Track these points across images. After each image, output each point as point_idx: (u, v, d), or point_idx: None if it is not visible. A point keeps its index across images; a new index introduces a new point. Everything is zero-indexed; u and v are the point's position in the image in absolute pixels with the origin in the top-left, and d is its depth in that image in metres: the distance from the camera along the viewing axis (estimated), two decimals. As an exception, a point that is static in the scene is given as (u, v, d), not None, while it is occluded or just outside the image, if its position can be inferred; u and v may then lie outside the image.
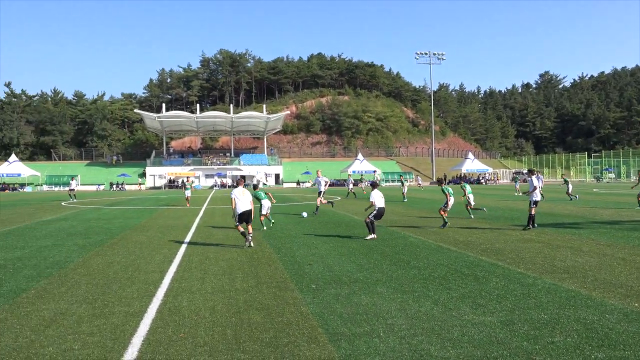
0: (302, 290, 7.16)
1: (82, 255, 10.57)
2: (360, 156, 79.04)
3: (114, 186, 69.33)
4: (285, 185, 73.46)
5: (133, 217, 20.36)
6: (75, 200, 35.54)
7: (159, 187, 71.84)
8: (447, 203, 15.47)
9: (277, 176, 78.45)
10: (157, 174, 75.33)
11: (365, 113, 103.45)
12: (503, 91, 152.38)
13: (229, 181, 73.52)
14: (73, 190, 38.18)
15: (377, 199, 12.69)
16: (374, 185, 13.55)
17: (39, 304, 6.54)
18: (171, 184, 73.24)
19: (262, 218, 15.89)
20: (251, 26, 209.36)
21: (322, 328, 5.44)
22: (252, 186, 17.72)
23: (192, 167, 76.25)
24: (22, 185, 70.47)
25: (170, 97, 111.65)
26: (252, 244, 11.47)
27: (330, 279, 7.89)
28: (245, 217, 11.62)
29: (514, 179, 53.09)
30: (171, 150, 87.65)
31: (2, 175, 69.75)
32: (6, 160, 73.72)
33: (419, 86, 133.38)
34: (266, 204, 15.85)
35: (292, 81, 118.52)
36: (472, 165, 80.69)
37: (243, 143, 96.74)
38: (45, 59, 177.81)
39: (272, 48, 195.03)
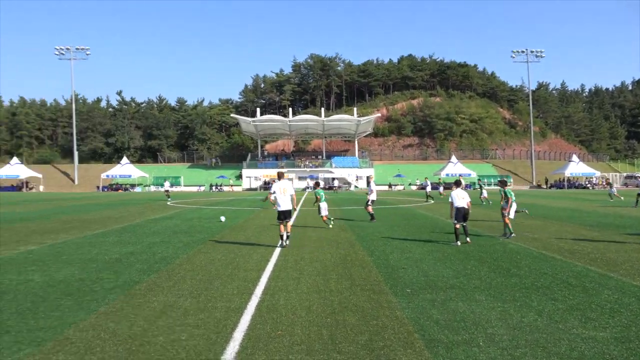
0: (396, 294, 7.10)
1: (187, 252, 11.22)
2: (454, 159, 76.93)
3: (213, 187, 72.96)
4: (377, 188, 73.17)
5: (231, 217, 21.25)
6: (170, 200, 38.67)
7: (255, 189, 74.46)
8: (506, 208, 13.66)
9: (368, 179, 78.33)
10: (252, 176, 78.13)
11: (458, 114, 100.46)
12: (610, 89, 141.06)
13: (321, 183, 74.56)
14: (168, 191, 42.68)
15: (455, 198, 12.30)
16: (457, 183, 13.02)
17: (150, 296, 7.03)
18: (266, 185, 75.64)
19: (325, 219, 16.65)
20: (341, 30, 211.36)
21: (418, 334, 5.37)
22: (314, 184, 19.14)
23: (285, 170, 78.21)
24: (133, 185, 76.24)
25: (264, 101, 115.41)
26: (286, 243, 11.64)
27: (425, 284, 7.76)
28: (284, 216, 11.63)
29: (608, 184, 47.64)
30: (265, 153, 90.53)
31: (116, 177, 75.89)
32: (119, 162, 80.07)
33: (516, 86, 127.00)
34: (324, 205, 16.89)
35: (383, 83, 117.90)
36: (577, 168, 75.29)
37: (334, 146, 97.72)
38: (151, 69, 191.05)
39: (361, 51, 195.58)
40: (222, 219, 19.10)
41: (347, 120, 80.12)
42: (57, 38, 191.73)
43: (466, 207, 12.25)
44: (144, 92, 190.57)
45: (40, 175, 77.15)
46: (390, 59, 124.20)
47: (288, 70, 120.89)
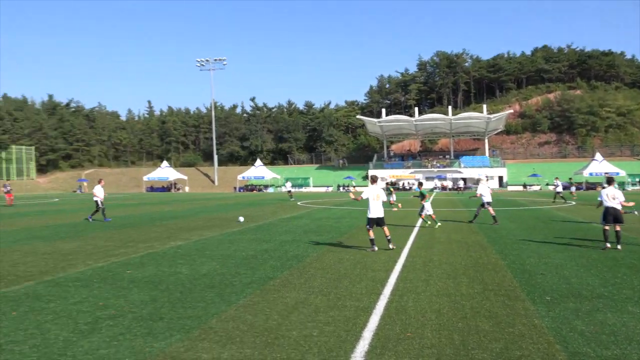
0: (534, 302, 6.68)
1: (316, 251, 11.58)
2: (598, 156, 70.05)
3: (341, 188, 74.40)
4: (510, 188, 69.32)
5: (359, 217, 21.48)
6: (292, 199, 41.22)
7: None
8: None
9: (500, 179, 74.53)
10: (379, 177, 78.22)
11: (602, 108, 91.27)
12: None
13: (449, 184, 72.51)
14: (290, 191, 46.01)
15: (605, 197, 11.18)
16: (609, 181, 11.82)
17: (283, 292, 7.37)
18: (392, 186, 75.32)
19: (434, 216, 17.07)
20: (468, 25, 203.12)
21: (560, 345, 5.00)
22: (417, 184, 19.05)
23: (412, 170, 77.29)
24: (265, 186, 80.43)
25: (389, 102, 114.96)
26: (390, 245, 11.41)
27: (567, 292, 7.20)
28: (375, 223, 11.36)
29: None
30: (392, 154, 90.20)
31: (250, 178, 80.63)
32: (253, 164, 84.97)
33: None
34: (428, 205, 17.03)
35: (514, 78, 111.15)
36: None
37: (463, 145, 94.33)
38: (281, 75, 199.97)
39: (490, 45, 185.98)
40: (241, 219, 19.63)
41: (476, 118, 76.90)
42: (198, 51, 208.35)
43: (618, 207, 11.17)
44: (275, 97, 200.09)
45: (185, 177, 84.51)
46: (522, 52, 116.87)
47: (413, 69, 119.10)
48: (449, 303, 6.67)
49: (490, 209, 18.13)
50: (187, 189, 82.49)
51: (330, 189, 75.70)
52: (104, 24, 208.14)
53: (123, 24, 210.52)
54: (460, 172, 74.41)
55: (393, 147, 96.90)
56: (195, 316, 6.10)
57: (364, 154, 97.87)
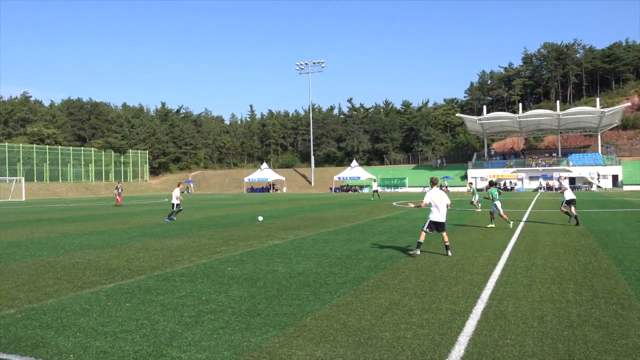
0: (652, 312, 6.10)
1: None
2: None
3: (443, 188, 72.61)
4: (626, 187, 63.75)
5: (455, 218, 20.89)
6: (373, 199, 42.26)
7: (481, 189, 71.81)
8: None
9: (614, 177, 68.77)
10: (478, 176, 75.47)
11: None
12: None
13: (555, 183, 68.17)
14: (377, 191, 46.88)
15: None
16: None
17: (377, 293, 7.35)
18: (491, 185, 72.27)
19: (505, 217, 17.01)
20: (580, 13, 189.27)
21: (682, 360, 4.52)
22: (488, 183, 19.27)
23: (514, 169, 73.61)
24: (361, 186, 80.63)
25: (490, 98, 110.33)
26: (449, 252, 10.73)
27: (692, 303, 6.50)
28: (437, 226, 10.80)
29: None
30: (492, 152, 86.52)
31: (346, 178, 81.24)
32: (349, 165, 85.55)
33: None
34: (499, 204, 17.25)
35: (634, 68, 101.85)
36: None
37: (571, 142, 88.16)
38: (378, 75, 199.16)
39: (606, 33, 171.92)
40: (260, 219, 19.99)
41: (587, 112, 71.52)
42: (297, 55, 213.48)
43: None
44: (372, 97, 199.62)
45: (283, 178, 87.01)
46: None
47: (518, 63, 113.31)
48: (553, 310, 6.28)
49: (563, 207, 18.11)
50: (284, 189, 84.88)
51: (427, 189, 74.07)
52: (209, 35, 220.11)
53: (226, 33, 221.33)
54: (569, 170, 69.64)
55: (494, 145, 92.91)
56: (291, 313, 6.25)
57: (463, 153, 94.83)
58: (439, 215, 10.75)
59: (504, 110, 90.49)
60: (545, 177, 70.24)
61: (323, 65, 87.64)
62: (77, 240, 14.49)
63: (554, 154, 78.19)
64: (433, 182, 11.16)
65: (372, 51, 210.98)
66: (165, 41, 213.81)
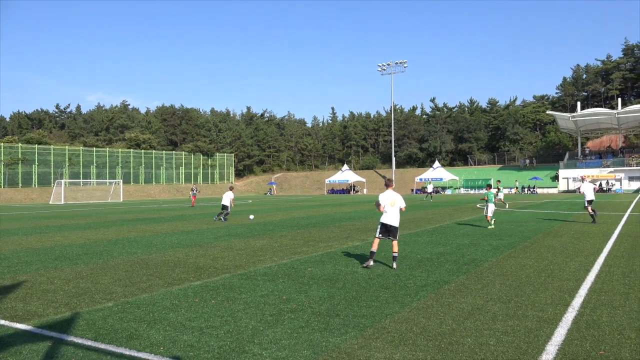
0: None
1: (496, 255, 11.00)
2: None
3: (525, 189, 69.38)
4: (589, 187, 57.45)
5: (545, 221, 19.86)
6: (425, 199, 43.05)
7: (573, 191, 67.69)
8: None
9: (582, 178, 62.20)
10: (570, 177, 71.20)
11: None
12: None
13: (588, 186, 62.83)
14: (430, 193, 49.89)
15: None
16: None
17: (459, 297, 7.15)
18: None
19: (488, 218, 17.74)
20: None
21: None
22: (486, 186, 19.64)
23: (611, 169, 68.68)
24: (443, 188, 78.80)
25: (585, 94, 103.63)
26: (394, 265, 9.54)
27: None
28: (387, 230, 9.70)
29: None
30: (587, 151, 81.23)
31: (428, 180, 79.72)
32: (431, 166, 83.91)
33: None
34: (491, 207, 17.92)
35: None
36: None
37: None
38: (462, 73, 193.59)
39: None
40: (251, 217, 20.51)
41: (697, 106, 65.36)
42: (379, 55, 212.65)
43: None
44: (456, 96, 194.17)
45: (364, 180, 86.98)
46: None
47: (617, 55, 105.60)
48: (654, 321, 5.80)
49: (590, 208, 18.77)
50: (365, 191, 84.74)
51: (514, 190, 71.04)
52: (292, 38, 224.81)
53: (308, 36, 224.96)
54: (676, 170, 63.98)
55: (589, 143, 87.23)
56: (370, 315, 6.24)
57: (554, 152, 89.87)
58: (387, 217, 9.78)
59: (601, 106, 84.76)
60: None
61: (405, 65, 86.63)
62: (168, 239, 15.34)
63: (658, 152, 72.06)
64: (386, 184, 10.09)
65: (456, 49, 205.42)
66: (250, 47, 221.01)
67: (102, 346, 5.19)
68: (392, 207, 9.79)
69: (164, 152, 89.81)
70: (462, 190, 76.63)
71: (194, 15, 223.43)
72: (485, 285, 7.88)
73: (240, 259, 10.94)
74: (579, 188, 19.22)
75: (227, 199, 22.31)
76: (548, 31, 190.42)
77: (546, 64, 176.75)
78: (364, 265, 9.72)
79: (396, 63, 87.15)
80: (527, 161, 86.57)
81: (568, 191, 68.69)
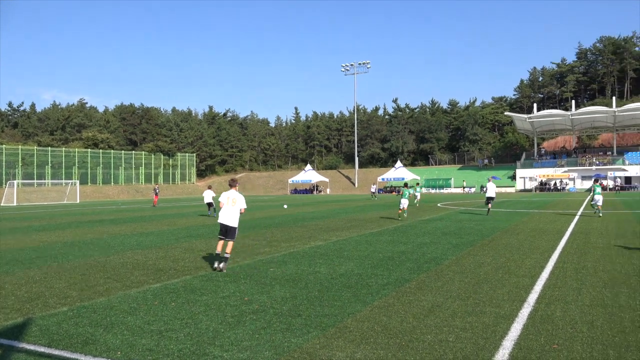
0: None
1: (455, 253, 11.21)
2: None
3: (484, 188, 71.08)
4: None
5: (502, 220, 20.39)
6: (375, 199, 45.12)
7: (530, 190, 69.74)
8: None
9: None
10: (527, 176, 73.35)
11: None
12: None
13: (610, 183, 65.45)
14: (374, 192, 53.43)
15: None
16: None
17: (419, 295, 7.25)
18: (542, 186, 70.08)
19: (400, 211, 21.76)
20: (638, 4, 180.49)
21: None
22: (403, 185, 23.91)
23: (565, 169, 71.08)
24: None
25: (541, 96, 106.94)
26: (222, 268, 9.28)
27: None
28: (225, 231, 9.54)
29: None
30: (542, 151, 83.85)
31: (390, 179, 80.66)
32: (393, 166, 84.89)
33: None
34: (404, 201, 22.05)
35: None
36: None
37: (628, 139, 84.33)
38: (424, 75, 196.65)
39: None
40: (285, 206, 21.30)
41: (645, 108, 68.32)
42: (343, 56, 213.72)
43: None
44: (418, 97, 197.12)
45: (327, 180, 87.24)
46: None
47: (571, 59, 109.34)
48: (604, 315, 6.03)
49: (490, 204, 23.56)
50: (328, 191, 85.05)
51: (473, 190, 72.66)
52: (255, 38, 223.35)
53: (272, 36, 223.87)
54: (624, 169, 66.77)
55: (544, 144, 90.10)
56: (332, 314, 6.26)
57: (511, 152, 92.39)
58: (226, 217, 9.58)
59: (556, 108, 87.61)
60: (598, 177, 67.50)
61: (369, 66, 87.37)
62: (126, 240, 14.99)
63: (609, 153, 75.06)
64: (230, 184, 9.93)
65: (418, 50, 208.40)
66: (212, 45, 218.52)
67: (56, 352, 5.03)
68: (232, 206, 9.64)
69: (123, 152, 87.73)
70: (424, 190, 77.78)
71: (154, 13, 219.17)
72: (445, 283, 8.02)
73: (202, 261, 10.80)
74: (485, 186, 23.30)
75: (208, 196, 26.17)
76: (506, 34, 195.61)
77: (504, 66, 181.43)
78: (214, 267, 9.46)
79: (359, 64, 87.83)
80: (486, 161, 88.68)
81: (525, 190, 70.72)
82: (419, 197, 34.16)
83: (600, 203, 21.86)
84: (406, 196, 22.44)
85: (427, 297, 7.07)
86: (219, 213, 9.79)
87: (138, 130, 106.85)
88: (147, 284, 8.31)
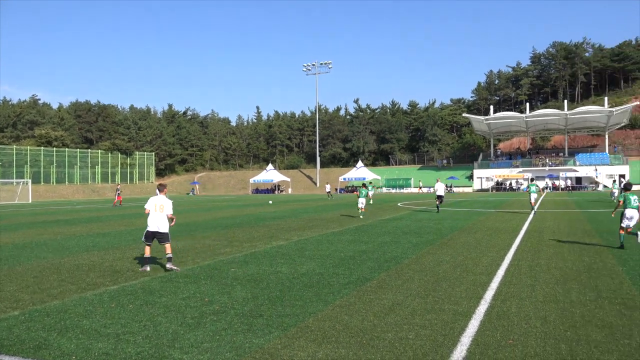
0: (656, 312, 6.05)
1: (415, 252, 11.39)
2: None
3: (430, 189, 72.51)
4: (634, 187, 63.32)
5: (461, 219, 20.84)
6: (330, 198, 46.76)
7: (486, 190, 71.56)
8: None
9: (621, 177, 68.40)
10: (484, 177, 75.25)
11: None
12: None
13: (562, 183, 67.89)
14: (329, 192, 55.19)
15: None
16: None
17: (380, 293, 7.33)
18: (498, 186, 72.03)
19: (361, 208, 23.32)
20: (589, 12, 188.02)
21: (686, 361, 4.48)
22: (361, 185, 25.27)
23: (520, 169, 73.30)
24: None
25: (498, 98, 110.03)
26: (173, 267, 9.40)
27: (697, 303, 6.45)
28: (153, 236, 9.59)
29: None
30: (499, 152, 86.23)
31: (351, 179, 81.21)
32: (354, 166, 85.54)
33: None
34: (362, 200, 23.41)
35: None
36: None
37: (579, 141, 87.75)
38: (385, 76, 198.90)
39: (616, 32, 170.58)
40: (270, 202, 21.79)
41: (595, 112, 71.19)
42: (305, 56, 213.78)
43: None
44: (379, 98, 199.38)
45: (289, 179, 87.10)
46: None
47: (526, 62, 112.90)
48: (556, 310, 6.25)
49: (439, 201, 25.90)
50: (290, 190, 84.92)
51: (432, 189, 73.92)
52: (216, 36, 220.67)
53: (233, 34, 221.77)
54: (575, 170, 69.39)
55: (500, 145, 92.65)
56: (293, 314, 6.25)
57: (469, 153, 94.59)
58: (154, 223, 9.56)
59: (511, 110, 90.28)
60: (551, 177, 69.94)
61: (330, 66, 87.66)
62: (82, 242, 14.56)
63: (561, 154, 77.88)
64: (158, 188, 9.99)
65: (379, 52, 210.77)
66: (171, 43, 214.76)
67: (7, 358, 4.84)
68: (160, 212, 9.60)
69: (78, 150, 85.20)
70: (385, 190, 78.71)
71: (111, 6, 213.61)
72: (405, 282, 8.13)
73: (161, 262, 10.59)
74: (435, 187, 27.65)
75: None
76: (465, 36, 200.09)
77: (463, 68, 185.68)
78: (141, 270, 9.49)
79: (321, 64, 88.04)
80: (445, 161, 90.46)
81: (482, 190, 72.50)
82: (370, 195, 35.47)
83: (532, 200, 23.96)
84: (363, 195, 23.69)
85: (388, 296, 7.16)
86: (147, 220, 9.66)
87: (94, 128, 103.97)
88: (103, 286, 8.10)
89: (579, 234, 14.40)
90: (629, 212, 11.32)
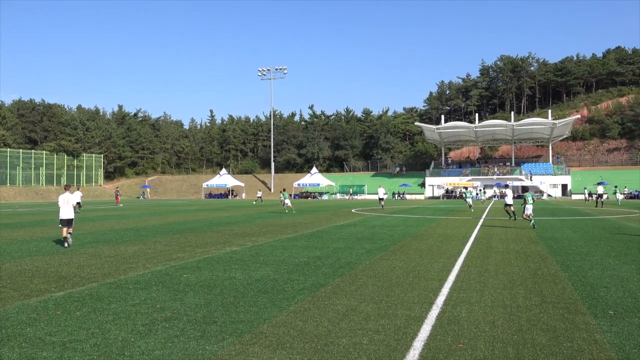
0: (596, 316, 6.36)
1: (369, 258, 11.52)
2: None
3: (396, 195, 73.68)
4: (574, 197, 66.35)
5: (413, 226, 21.23)
6: (257, 203, 48.98)
7: (437, 197, 73.24)
8: None
9: (564, 187, 71.56)
10: (435, 184, 77.02)
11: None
12: None
13: (509, 191, 70.35)
14: (259, 197, 60.04)
15: None
16: None
17: (334, 299, 7.38)
18: (449, 194, 73.90)
19: (289, 207, 32.30)
20: (534, 27, 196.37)
21: (623, 362, 4.73)
22: (282, 189, 31.39)
23: (470, 177, 75.47)
24: (320, 193, 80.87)
25: (449, 108, 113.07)
26: (69, 243, 13.51)
27: (632, 307, 6.82)
28: (67, 223, 13.66)
29: None
30: (449, 161, 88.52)
31: (306, 185, 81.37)
32: (309, 172, 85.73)
33: None
34: (287, 201, 32.35)
35: (584, 82, 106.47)
36: None
37: (525, 152, 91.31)
38: (340, 83, 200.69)
39: (558, 48, 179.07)
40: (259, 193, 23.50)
41: (540, 123, 74.32)
42: (260, 60, 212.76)
43: None
44: (333, 104, 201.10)
45: (243, 184, 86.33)
46: (593, 54, 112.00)
47: (475, 74, 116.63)
48: (504, 315, 6.46)
49: (382, 203, 36.27)
50: (244, 195, 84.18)
51: (385, 196, 74.97)
52: (170, 37, 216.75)
53: (187, 36, 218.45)
54: (521, 179, 72.02)
55: (451, 154, 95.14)
56: (247, 320, 6.20)
57: (421, 161, 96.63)
58: (65, 213, 13.71)
59: (462, 120, 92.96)
60: (499, 186, 72.29)
61: (285, 71, 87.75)
62: (25, 246, 13.95)
63: (508, 163, 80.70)
64: (65, 188, 14.23)
65: (334, 59, 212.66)
66: (123, 43, 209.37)
67: (-58, 369, 4.58)
68: (68, 205, 13.88)
69: (21, 150, 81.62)
70: (339, 196, 79.22)
71: (60, 1, 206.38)
72: (359, 287, 8.21)
73: (110, 267, 10.28)
74: (379, 192, 35.89)
75: (77, 197, 28.15)
76: (418, 48, 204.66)
77: (416, 78, 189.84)
78: (68, 245, 13.44)
79: (276, 69, 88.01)
80: (398, 169, 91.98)
81: (433, 197, 74.12)
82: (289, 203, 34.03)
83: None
84: (286, 197, 33.13)
85: (342, 301, 7.21)
86: (60, 212, 13.76)
87: (39, 128, 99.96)
88: (48, 293, 7.78)
89: (525, 241, 14.94)
90: (529, 206, 19.79)
